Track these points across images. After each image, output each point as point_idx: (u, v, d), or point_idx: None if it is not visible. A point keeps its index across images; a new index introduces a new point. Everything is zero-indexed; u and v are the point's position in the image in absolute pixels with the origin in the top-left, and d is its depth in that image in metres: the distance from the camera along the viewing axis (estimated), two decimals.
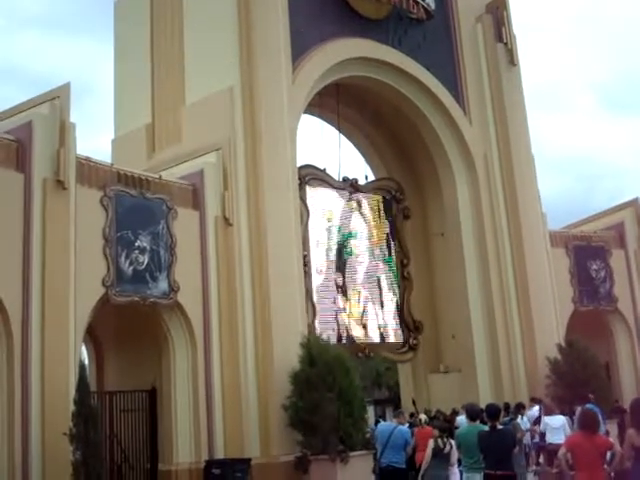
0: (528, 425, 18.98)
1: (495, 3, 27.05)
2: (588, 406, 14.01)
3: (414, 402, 25.27)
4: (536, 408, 20.15)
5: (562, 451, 9.40)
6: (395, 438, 14.01)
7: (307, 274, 22.04)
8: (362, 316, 24.51)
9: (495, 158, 25.80)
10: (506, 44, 26.58)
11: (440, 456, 12.45)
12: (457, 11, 26.55)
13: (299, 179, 21.87)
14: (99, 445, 14.16)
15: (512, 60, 26.64)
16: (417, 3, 24.76)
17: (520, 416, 19.16)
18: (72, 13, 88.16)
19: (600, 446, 9.19)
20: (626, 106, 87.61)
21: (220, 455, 17.72)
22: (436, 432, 12.84)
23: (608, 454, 9.67)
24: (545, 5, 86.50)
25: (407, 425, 16.18)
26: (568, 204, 60.55)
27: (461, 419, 17.35)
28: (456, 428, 15.28)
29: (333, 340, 22.78)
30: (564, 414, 18.13)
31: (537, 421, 19.16)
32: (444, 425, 14.68)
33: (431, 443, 12.63)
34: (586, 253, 27.41)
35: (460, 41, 26.37)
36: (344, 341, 23.57)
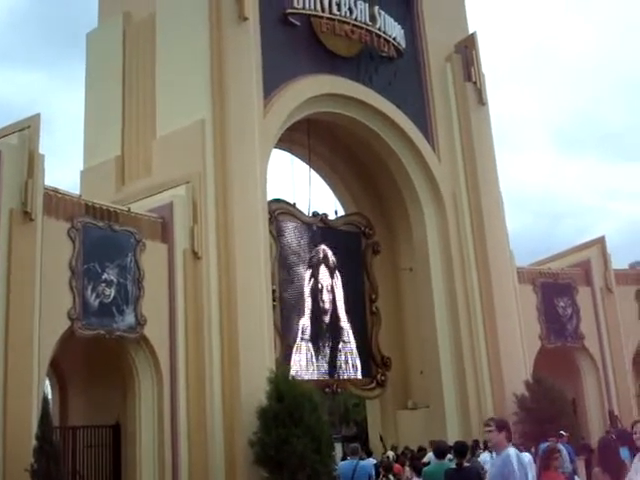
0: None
1: (464, 42, 27.49)
2: (550, 444, 13.88)
3: (382, 439, 25.18)
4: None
5: None
6: (359, 475, 13.89)
7: (276, 308, 21.95)
8: (330, 351, 24.41)
9: (464, 195, 26.02)
10: (475, 83, 26.96)
11: None
12: (427, 50, 26.93)
13: (269, 213, 21.88)
14: None
15: (481, 99, 27.00)
16: (388, 41, 25.12)
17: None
18: (21, 46, 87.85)
19: None
20: (580, 145, 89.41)
21: None
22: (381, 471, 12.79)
23: None
24: (503, 45, 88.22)
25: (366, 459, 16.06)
26: (529, 241, 61.23)
27: (430, 456, 17.28)
28: (425, 465, 15.20)
29: (301, 375, 22.64)
30: (530, 451, 18.06)
31: None
32: (389, 463, 14.68)
33: None
34: (553, 290, 27.63)
35: (430, 79, 26.72)
36: (312, 376, 23.43)
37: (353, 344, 25.17)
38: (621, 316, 28.37)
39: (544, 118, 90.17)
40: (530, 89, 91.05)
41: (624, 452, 10.01)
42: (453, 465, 10.77)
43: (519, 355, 25.29)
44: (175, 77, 21.18)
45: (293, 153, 26.44)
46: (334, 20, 23.73)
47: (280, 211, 23.83)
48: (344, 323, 25.13)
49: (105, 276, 17.06)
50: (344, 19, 23.93)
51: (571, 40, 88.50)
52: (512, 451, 7.87)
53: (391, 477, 13.86)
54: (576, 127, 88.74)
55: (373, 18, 24.73)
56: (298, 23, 23.25)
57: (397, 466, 18.18)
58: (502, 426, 8.08)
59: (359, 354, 25.21)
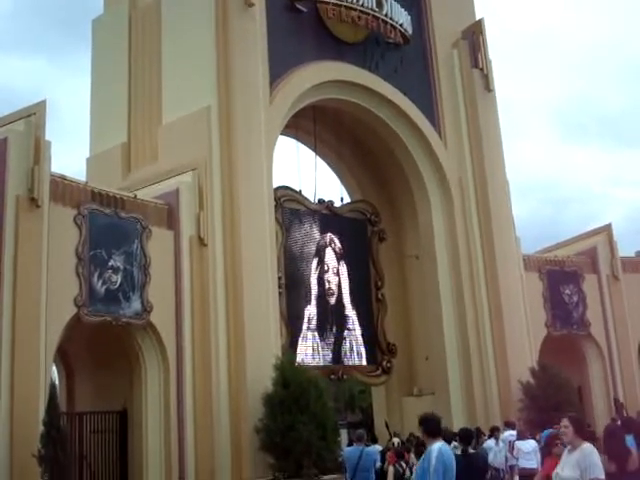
0: (504, 448, 18.85)
1: (471, 29, 27.35)
2: (553, 431, 13.85)
3: (387, 425, 25.23)
4: (510, 432, 20.09)
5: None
6: (364, 461, 13.94)
7: (281, 296, 21.96)
8: (335, 338, 24.45)
9: (470, 182, 25.96)
10: (482, 70, 26.84)
11: None
12: (434, 36, 26.80)
13: (275, 200, 21.86)
14: (68, 467, 13.99)
15: (488, 86, 26.87)
16: (394, 28, 24.99)
17: (495, 439, 19.12)
18: (26, 32, 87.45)
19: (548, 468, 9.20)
20: (583, 131, 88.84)
21: (191, 478, 17.53)
22: (393, 456, 12.82)
23: None
24: (502, 31, 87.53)
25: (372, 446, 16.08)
26: (535, 227, 60.95)
27: None
28: None
29: (307, 362, 22.68)
30: (535, 438, 18.09)
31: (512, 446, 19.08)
32: (401, 449, 14.71)
33: (391, 469, 12.58)
34: (559, 277, 27.59)
35: (436, 66, 26.61)
36: (317, 363, 23.46)
37: (358, 331, 25.19)
38: (627, 304, 28.34)
39: (546, 103, 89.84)
40: (531, 74, 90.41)
41: (629, 440, 10.00)
42: (458, 452, 10.79)
43: (525, 342, 25.29)
44: (181, 63, 21.16)
45: (299, 140, 26.37)
46: (340, 6, 23.61)
47: (286, 198, 23.81)
48: (350, 310, 25.16)
49: (111, 263, 17.11)
50: (351, 5, 23.81)
51: (571, 25, 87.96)
52: (435, 446, 7.79)
53: (402, 463, 13.90)
54: (578, 112, 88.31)
55: (380, 4, 24.58)
56: (304, 9, 23.15)
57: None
58: (421, 421, 8.06)
59: (365, 341, 25.24)
